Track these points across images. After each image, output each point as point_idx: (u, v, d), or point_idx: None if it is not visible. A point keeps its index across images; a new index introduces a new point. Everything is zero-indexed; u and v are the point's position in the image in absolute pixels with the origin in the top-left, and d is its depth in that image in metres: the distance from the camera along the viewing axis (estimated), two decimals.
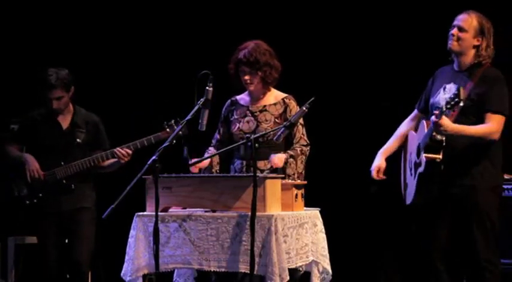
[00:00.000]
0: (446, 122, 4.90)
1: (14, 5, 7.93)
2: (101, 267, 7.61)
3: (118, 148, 6.03)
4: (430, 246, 5.23)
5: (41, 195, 6.11)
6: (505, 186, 6.62)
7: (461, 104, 4.78)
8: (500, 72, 5.15)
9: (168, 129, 5.91)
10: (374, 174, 5.44)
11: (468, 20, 5.13)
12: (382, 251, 7.81)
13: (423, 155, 5.03)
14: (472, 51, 5.15)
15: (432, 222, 5.21)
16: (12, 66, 7.82)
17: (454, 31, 5.15)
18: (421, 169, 5.08)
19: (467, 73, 5.14)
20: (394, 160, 5.58)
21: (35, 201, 6.12)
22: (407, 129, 5.49)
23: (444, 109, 4.83)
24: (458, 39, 5.13)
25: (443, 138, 4.98)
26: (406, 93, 5.92)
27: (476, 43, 5.13)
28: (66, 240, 6.21)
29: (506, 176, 6.61)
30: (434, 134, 4.97)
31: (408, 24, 7.55)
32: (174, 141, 5.37)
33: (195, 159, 5.37)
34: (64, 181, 6.09)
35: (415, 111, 5.48)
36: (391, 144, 5.51)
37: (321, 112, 5.92)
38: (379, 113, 7.56)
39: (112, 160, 6.16)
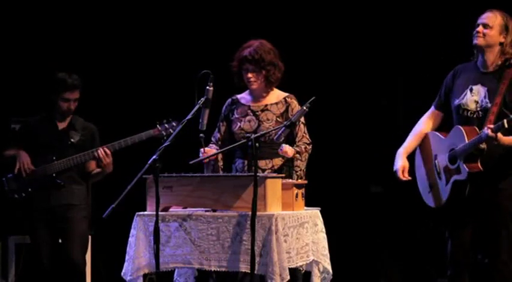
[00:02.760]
0: (501, 136, 4.84)
1: (13, 6, 7.93)
2: (101, 267, 7.62)
3: (100, 148, 6.06)
4: (455, 247, 5.16)
5: (30, 189, 6.12)
6: None
7: None
8: None
9: (159, 127, 5.95)
10: (400, 174, 5.29)
11: (492, 17, 5.08)
12: (382, 251, 7.81)
13: (465, 166, 4.95)
14: (497, 48, 5.06)
15: (459, 223, 5.14)
16: (12, 66, 7.82)
17: (479, 28, 5.08)
18: (460, 177, 4.99)
19: (496, 74, 5.07)
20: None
21: (24, 195, 6.13)
22: (425, 128, 5.35)
23: (506, 125, 4.77)
24: (484, 35, 5.06)
25: (486, 147, 4.93)
26: (406, 93, 5.93)
27: (502, 40, 5.06)
28: (60, 240, 6.20)
29: None
30: (480, 143, 4.91)
31: (406, 24, 7.56)
32: (164, 138, 5.46)
33: (199, 159, 5.42)
34: (54, 175, 6.11)
35: (432, 109, 5.34)
36: (410, 143, 5.36)
37: (321, 111, 5.91)
38: (379, 112, 7.57)
39: (98, 169, 6.23)
